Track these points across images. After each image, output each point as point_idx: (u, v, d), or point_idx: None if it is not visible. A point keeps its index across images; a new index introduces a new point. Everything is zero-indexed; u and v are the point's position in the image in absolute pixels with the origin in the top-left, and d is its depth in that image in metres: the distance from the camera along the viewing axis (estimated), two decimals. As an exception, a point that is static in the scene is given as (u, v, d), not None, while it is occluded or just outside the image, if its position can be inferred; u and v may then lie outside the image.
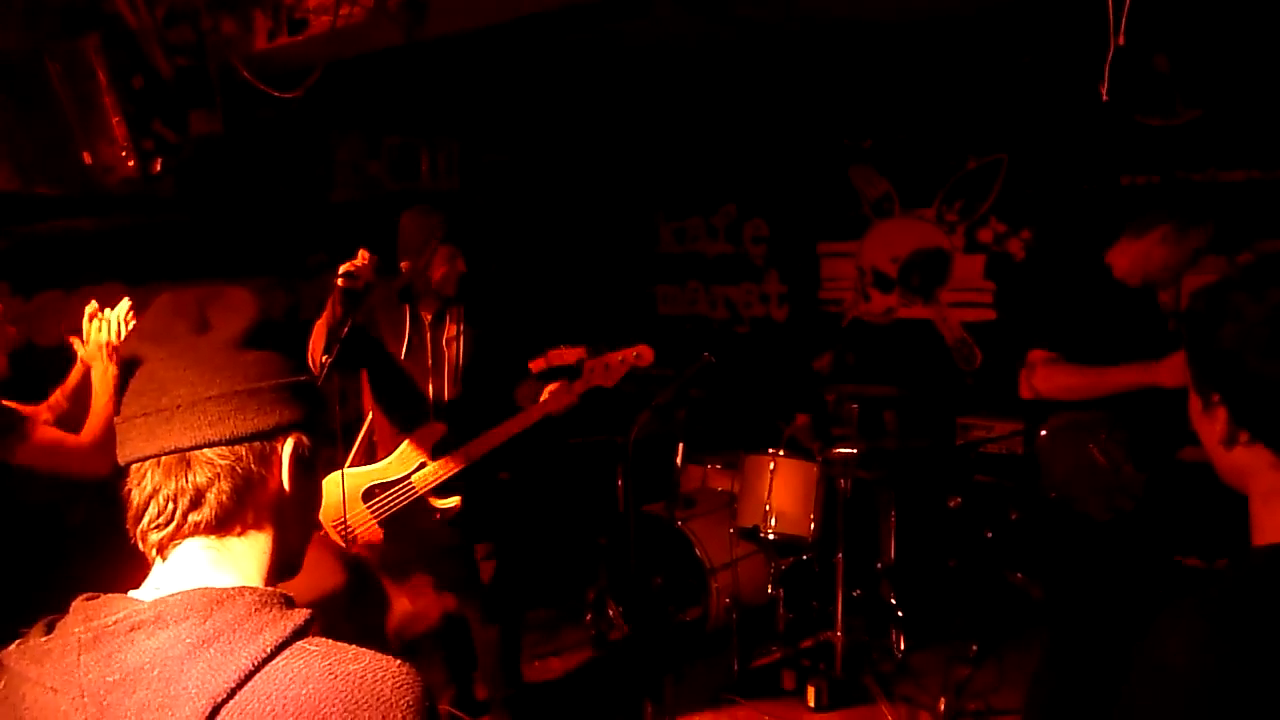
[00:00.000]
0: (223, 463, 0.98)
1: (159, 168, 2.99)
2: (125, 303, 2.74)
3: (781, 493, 4.14)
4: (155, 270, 4.17)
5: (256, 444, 1.00)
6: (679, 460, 4.64)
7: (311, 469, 1.06)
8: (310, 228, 4.91)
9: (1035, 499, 3.22)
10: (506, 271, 5.70)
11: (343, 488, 3.20)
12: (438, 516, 3.28)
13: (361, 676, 0.89)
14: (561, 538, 5.12)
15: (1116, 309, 3.03)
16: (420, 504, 3.25)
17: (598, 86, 5.52)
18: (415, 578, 1.92)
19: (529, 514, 4.83)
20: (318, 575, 1.40)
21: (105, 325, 2.70)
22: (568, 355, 3.35)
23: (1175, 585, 1.06)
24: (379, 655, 0.93)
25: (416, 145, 5.62)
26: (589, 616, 4.50)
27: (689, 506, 4.47)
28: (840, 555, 3.99)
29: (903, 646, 4.13)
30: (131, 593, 0.99)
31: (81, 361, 2.81)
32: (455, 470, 3.24)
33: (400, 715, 0.89)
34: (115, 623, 0.92)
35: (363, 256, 2.98)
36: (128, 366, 1.02)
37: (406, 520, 3.25)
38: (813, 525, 4.10)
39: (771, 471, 4.16)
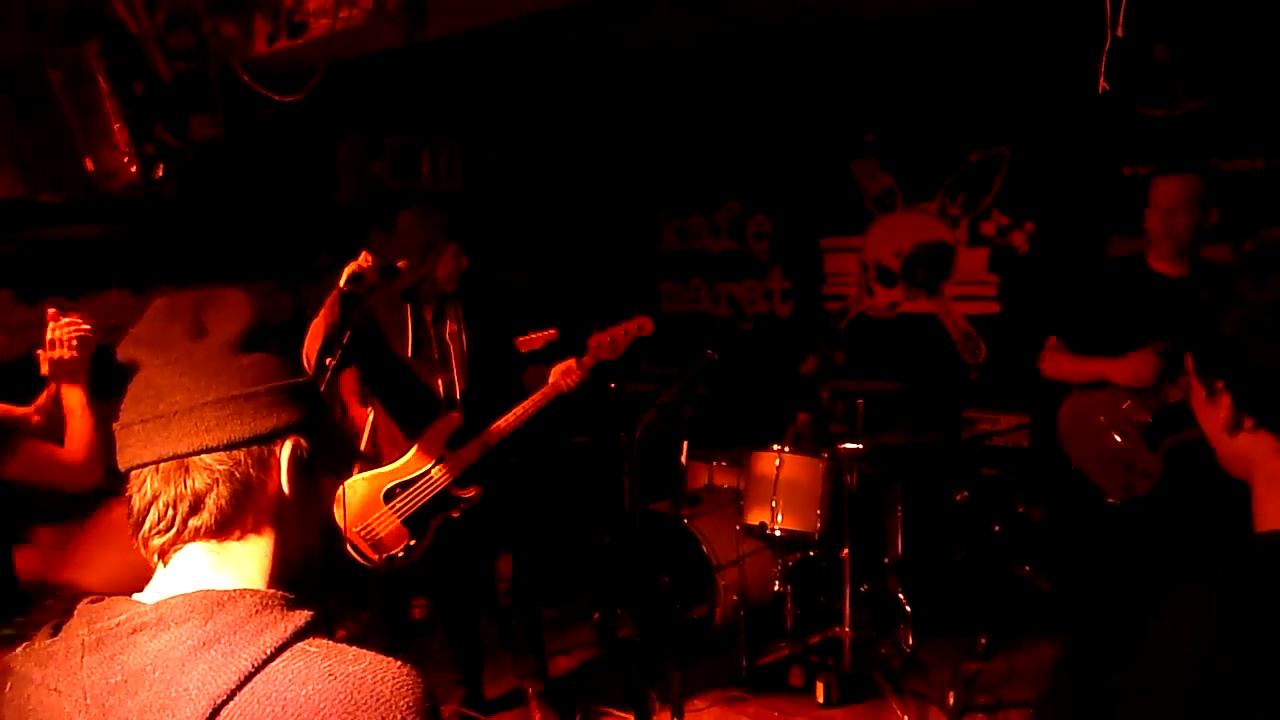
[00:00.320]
0: (221, 468, 0.98)
1: (161, 173, 3.00)
2: (69, 319, 2.60)
3: (787, 489, 4.13)
4: (159, 275, 4.19)
5: (254, 448, 1.00)
6: (683, 458, 4.64)
7: (311, 471, 1.06)
8: (313, 229, 4.92)
9: (1054, 487, 3.26)
10: (504, 268, 5.72)
11: (342, 493, 3.21)
12: (459, 511, 3.30)
13: (361, 677, 0.89)
14: (568, 537, 5.12)
15: (1116, 297, 3.06)
16: (442, 498, 3.27)
17: (599, 85, 5.53)
18: None
19: (538, 512, 4.84)
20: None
21: (57, 342, 2.54)
22: (536, 341, 3.43)
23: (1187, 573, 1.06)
24: (379, 657, 0.93)
25: (418, 145, 5.63)
26: (596, 615, 4.50)
27: (695, 504, 4.47)
28: (847, 551, 3.99)
29: (911, 641, 4.13)
30: (136, 596, 1.00)
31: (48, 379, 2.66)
32: (474, 459, 3.27)
33: (400, 716, 0.89)
34: (118, 625, 0.93)
35: (365, 258, 2.98)
36: (125, 372, 1.03)
37: (427, 516, 3.27)
38: (819, 521, 4.10)
39: (777, 468, 4.15)
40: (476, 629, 3.70)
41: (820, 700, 3.78)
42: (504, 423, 3.32)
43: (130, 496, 1.01)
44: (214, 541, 1.00)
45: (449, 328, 3.38)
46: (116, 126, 2.95)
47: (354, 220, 5.06)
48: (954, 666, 3.78)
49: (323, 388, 3.12)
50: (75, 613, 0.98)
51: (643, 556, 4.13)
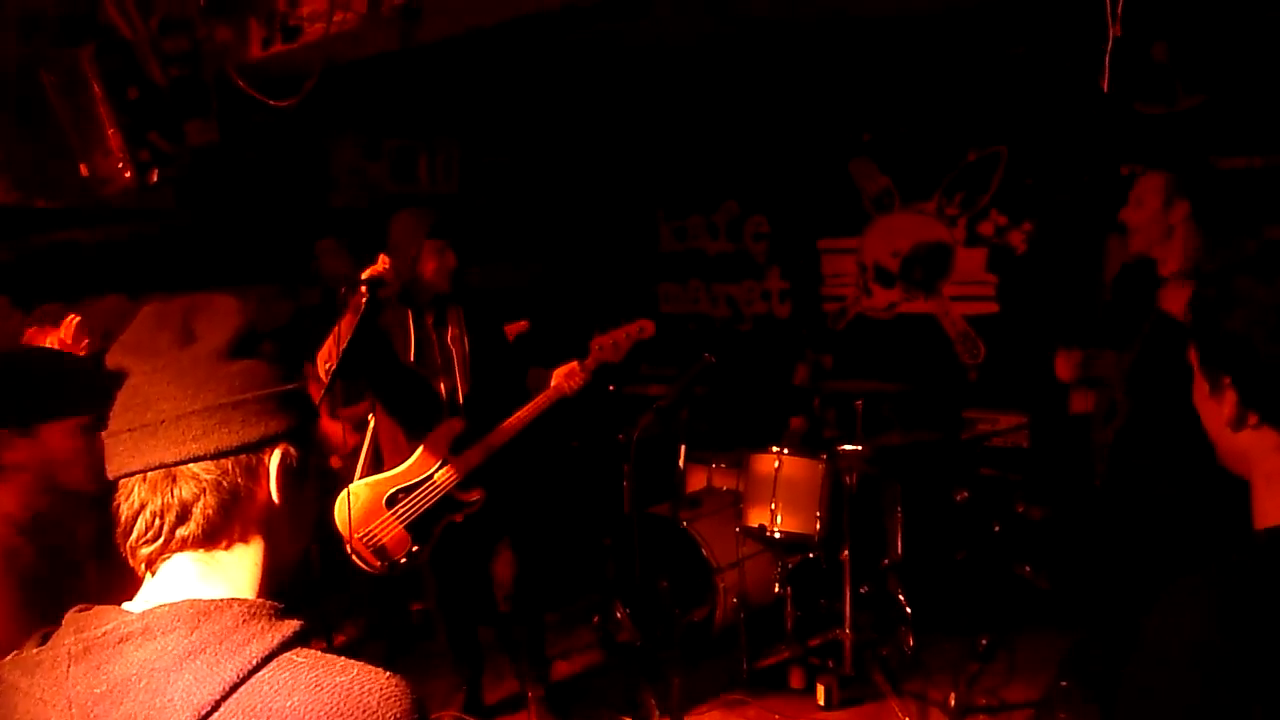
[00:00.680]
0: (208, 477, 0.97)
1: (156, 178, 2.99)
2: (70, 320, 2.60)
3: (787, 491, 4.12)
4: (156, 281, 4.18)
5: (243, 457, 0.99)
6: (681, 461, 4.64)
7: (302, 479, 1.05)
8: (311, 232, 4.92)
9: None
10: (503, 269, 5.72)
11: (344, 499, 3.20)
12: (462, 515, 3.30)
13: (348, 689, 0.88)
14: (567, 540, 5.11)
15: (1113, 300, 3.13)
16: (445, 502, 3.26)
17: (596, 86, 5.52)
18: None
19: (538, 515, 4.84)
20: None
21: (64, 344, 2.58)
22: (508, 333, 3.57)
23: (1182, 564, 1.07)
24: (367, 667, 0.92)
25: (416, 147, 5.63)
26: (596, 618, 4.49)
27: (694, 506, 4.47)
28: (847, 552, 3.98)
29: (911, 642, 4.12)
30: (124, 605, 0.99)
31: None
32: (478, 462, 3.27)
33: None
34: (104, 634, 0.93)
35: (383, 261, 3.02)
36: (114, 379, 1.02)
37: (431, 521, 3.26)
38: (819, 523, 4.09)
39: (776, 469, 4.14)
40: (476, 633, 3.69)
41: (821, 702, 3.77)
42: (508, 426, 3.32)
43: (118, 505, 1.00)
44: (202, 551, 1.00)
45: (450, 332, 3.39)
46: (111, 132, 2.93)
47: (352, 223, 5.06)
48: (955, 667, 3.77)
49: (325, 390, 3.13)
50: (63, 621, 0.97)
51: (642, 559, 4.13)
